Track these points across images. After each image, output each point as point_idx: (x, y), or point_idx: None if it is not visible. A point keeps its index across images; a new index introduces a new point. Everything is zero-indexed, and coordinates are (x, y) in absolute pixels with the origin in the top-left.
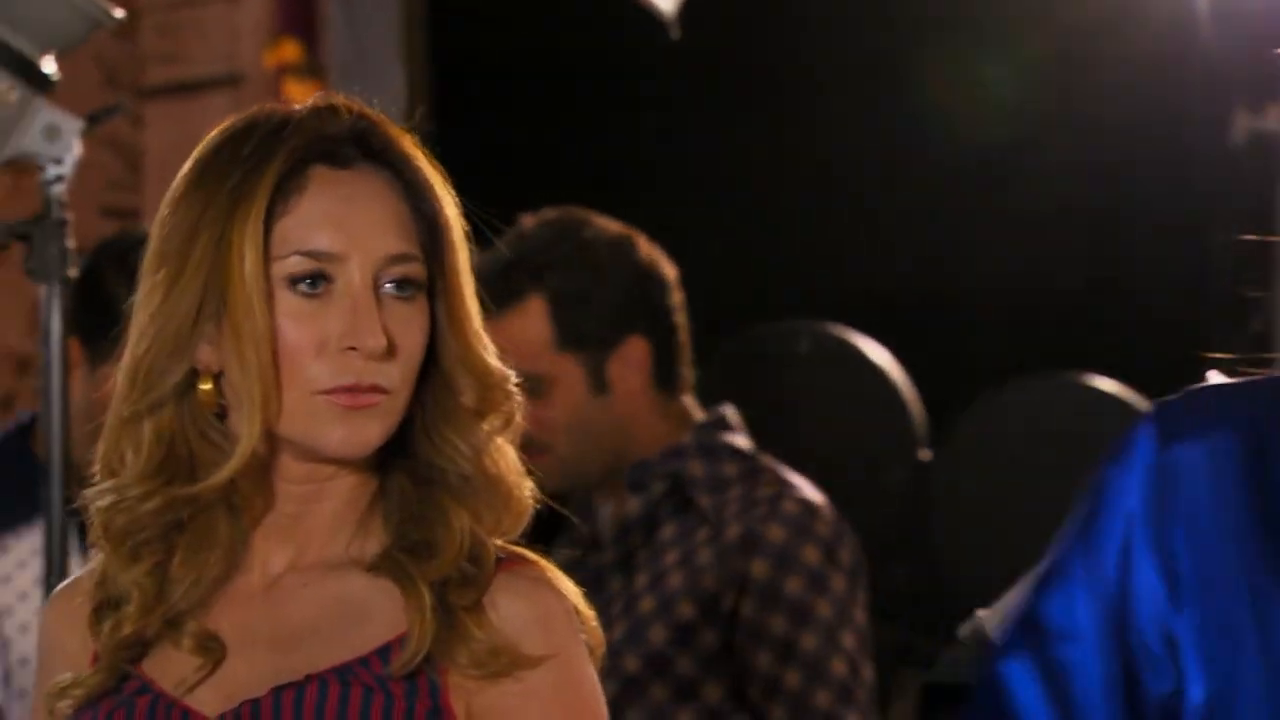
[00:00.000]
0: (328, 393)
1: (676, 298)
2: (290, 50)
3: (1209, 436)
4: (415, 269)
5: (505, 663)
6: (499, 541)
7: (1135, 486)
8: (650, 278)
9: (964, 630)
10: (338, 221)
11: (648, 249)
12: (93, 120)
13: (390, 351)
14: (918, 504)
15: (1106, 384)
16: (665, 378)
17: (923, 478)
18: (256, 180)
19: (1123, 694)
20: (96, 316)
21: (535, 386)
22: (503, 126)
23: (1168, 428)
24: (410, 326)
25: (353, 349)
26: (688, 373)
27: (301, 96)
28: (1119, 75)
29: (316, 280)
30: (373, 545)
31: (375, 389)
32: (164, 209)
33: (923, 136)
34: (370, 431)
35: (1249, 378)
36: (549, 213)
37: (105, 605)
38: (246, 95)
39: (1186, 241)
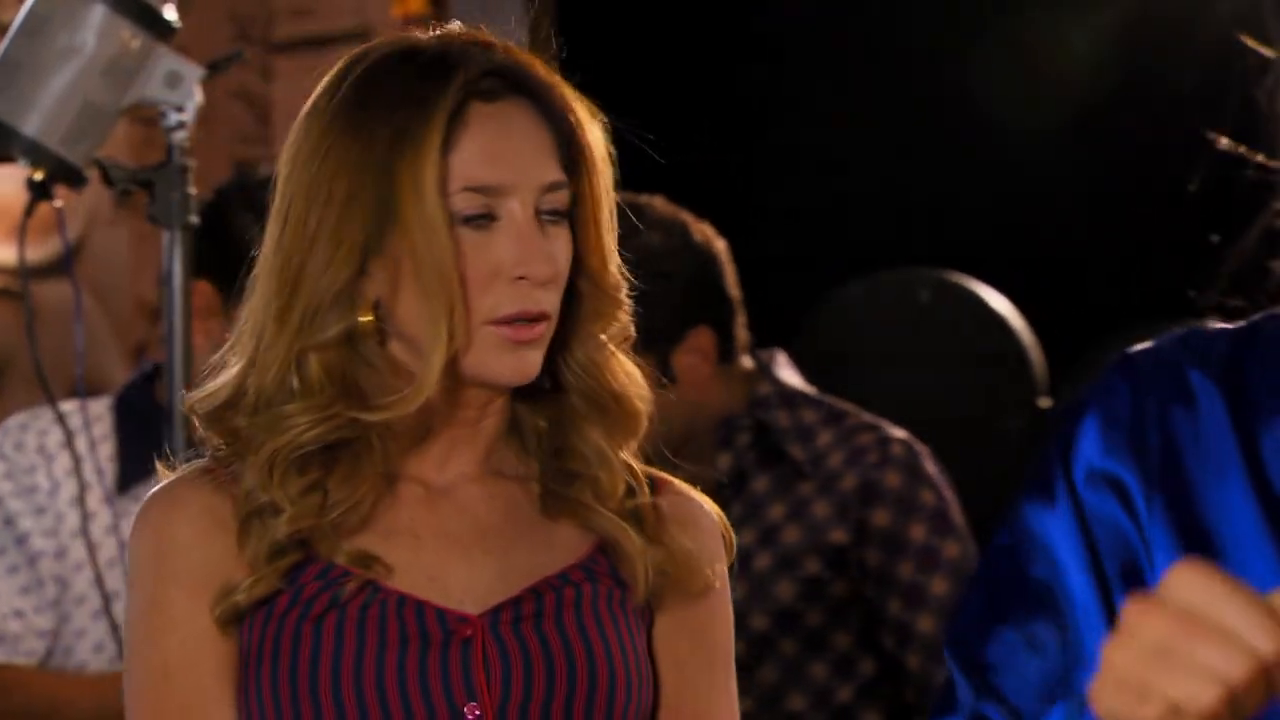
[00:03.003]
0: (498, 323)
1: (732, 274)
2: (416, 2)
3: (1183, 384)
4: (565, 196)
5: (700, 587)
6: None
7: (1102, 439)
8: (709, 264)
9: None
10: (498, 155)
11: (700, 231)
12: (214, 68)
13: (556, 277)
14: (1038, 452)
15: None
16: (727, 353)
17: (1042, 426)
18: (427, 118)
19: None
20: (228, 259)
21: None
22: (628, 77)
23: (1139, 377)
24: (563, 251)
25: (522, 278)
26: (744, 335)
27: None
28: (1226, 17)
29: (485, 213)
30: (532, 464)
31: (542, 315)
32: (307, 143)
33: (1048, 87)
34: (534, 361)
35: (1218, 326)
36: None
37: (252, 516)
38: None
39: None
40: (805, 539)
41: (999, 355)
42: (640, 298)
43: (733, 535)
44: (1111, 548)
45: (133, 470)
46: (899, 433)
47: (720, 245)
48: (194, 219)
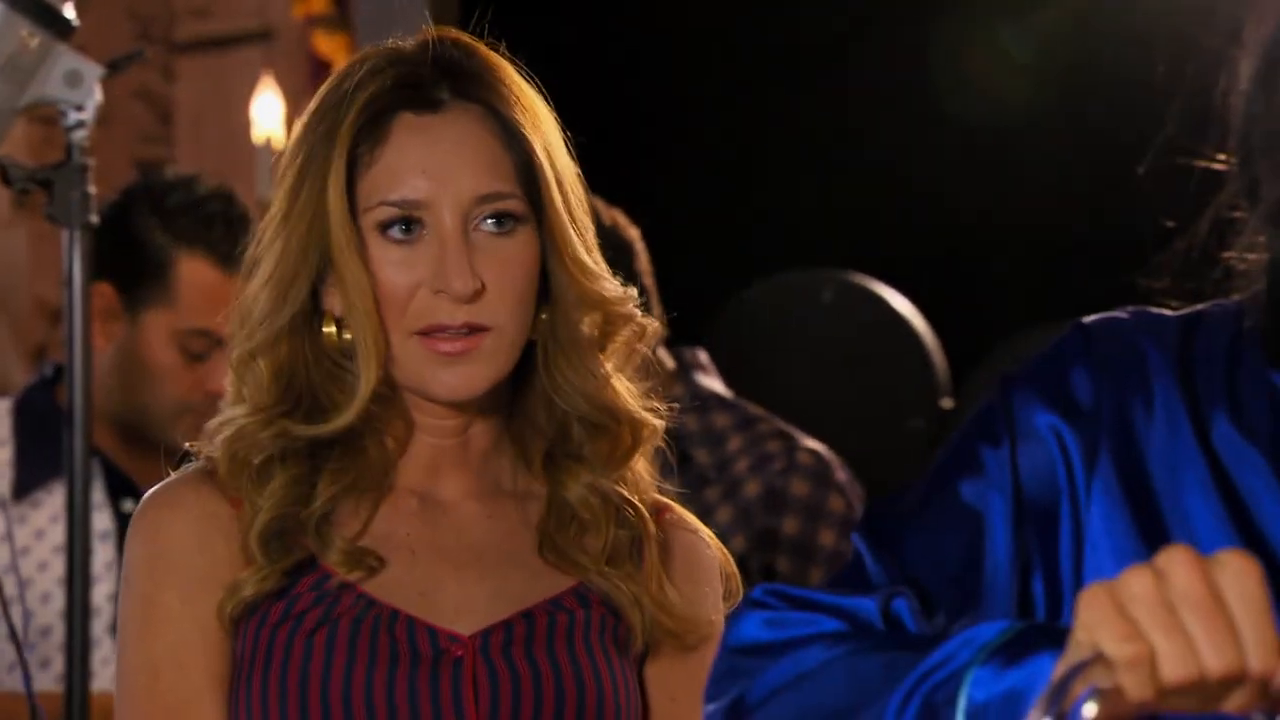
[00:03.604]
0: (423, 335)
1: (646, 263)
2: (318, 3)
3: (1138, 355)
4: (510, 205)
5: (697, 640)
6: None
7: (1052, 393)
8: (619, 250)
9: None
10: (422, 168)
11: (611, 217)
12: (114, 67)
13: (481, 291)
14: None
15: None
16: None
17: (945, 427)
18: (339, 131)
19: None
20: (130, 261)
21: None
22: (533, 80)
23: (1093, 343)
24: (509, 262)
25: (442, 291)
26: (661, 327)
27: (329, 49)
28: (1136, 34)
29: (410, 226)
30: (535, 483)
31: (470, 327)
32: (285, 154)
33: (949, 90)
34: (478, 374)
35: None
36: None
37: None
38: (277, 49)
39: (1206, 195)
40: None
41: (901, 356)
42: None
43: (736, 571)
44: (1036, 490)
45: (31, 475)
46: (810, 442)
47: (633, 233)
48: (94, 218)
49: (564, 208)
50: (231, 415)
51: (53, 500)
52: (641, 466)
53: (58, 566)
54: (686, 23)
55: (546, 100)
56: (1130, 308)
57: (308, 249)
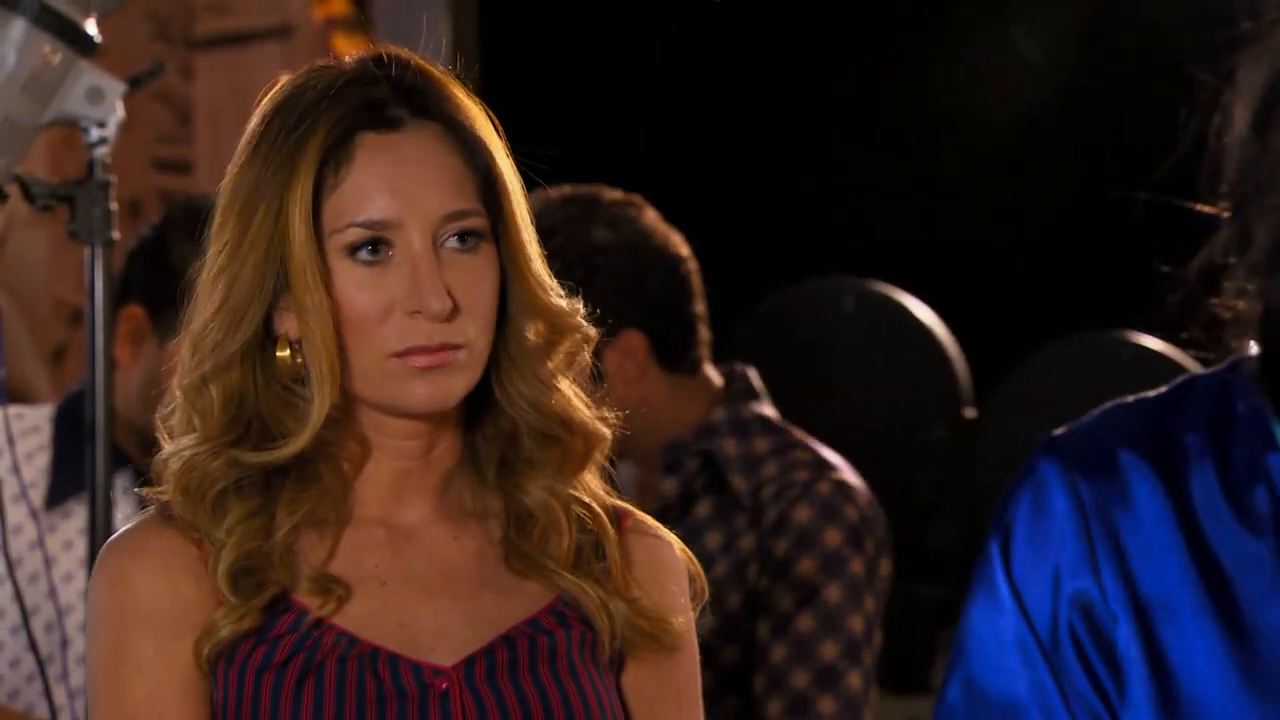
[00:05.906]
0: (399, 355)
1: (686, 285)
2: (339, 4)
3: (1116, 464)
4: (475, 222)
5: (670, 640)
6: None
7: (1052, 532)
8: (649, 267)
9: None
10: (390, 188)
11: (662, 235)
12: (135, 83)
13: (456, 310)
14: (962, 462)
15: (1151, 342)
16: (671, 362)
17: (967, 436)
18: (302, 154)
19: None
20: (164, 286)
21: None
22: (551, 81)
23: (1068, 464)
24: (477, 278)
25: (417, 312)
26: (704, 346)
27: (348, 50)
28: (1154, 32)
29: (377, 248)
30: (492, 499)
31: (446, 347)
32: (230, 170)
33: (972, 97)
34: (453, 385)
35: (1140, 396)
36: (554, 201)
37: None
38: (296, 47)
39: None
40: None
41: (923, 364)
42: (575, 288)
43: (701, 572)
44: (1085, 630)
45: (65, 485)
46: (844, 473)
47: (680, 253)
48: (115, 234)
49: (521, 222)
50: (179, 446)
51: (84, 511)
52: (591, 477)
53: (82, 579)
54: (700, 26)
55: (493, 122)
56: (1103, 406)
57: (264, 275)
